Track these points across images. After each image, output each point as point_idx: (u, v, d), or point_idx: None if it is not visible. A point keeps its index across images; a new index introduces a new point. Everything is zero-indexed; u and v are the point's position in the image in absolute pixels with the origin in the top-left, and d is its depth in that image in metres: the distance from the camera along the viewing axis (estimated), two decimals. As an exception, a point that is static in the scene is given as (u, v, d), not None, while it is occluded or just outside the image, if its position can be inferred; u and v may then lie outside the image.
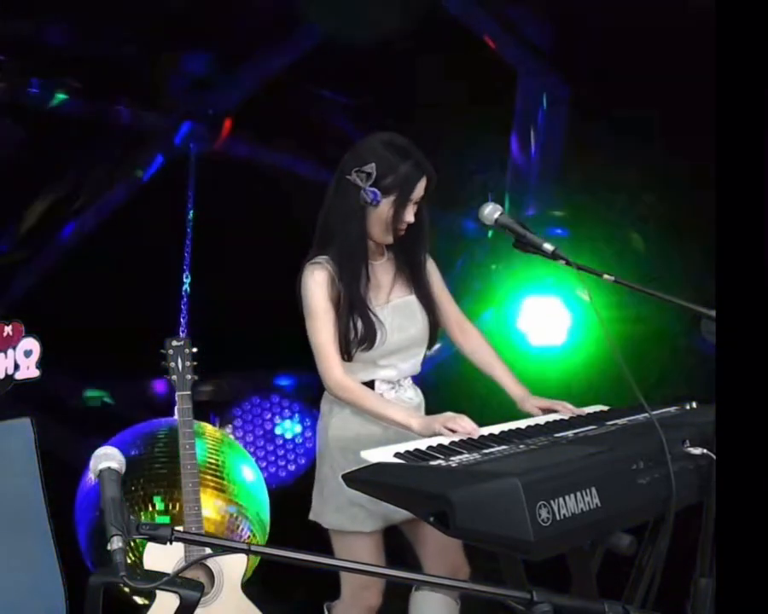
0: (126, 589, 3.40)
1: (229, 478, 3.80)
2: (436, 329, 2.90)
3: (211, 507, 3.70)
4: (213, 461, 3.79)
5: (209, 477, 3.73)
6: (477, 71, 4.26)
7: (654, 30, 3.77)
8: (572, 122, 4.37)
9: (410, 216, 2.73)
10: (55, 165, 4.23)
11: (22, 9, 3.95)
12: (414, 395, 2.90)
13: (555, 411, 2.77)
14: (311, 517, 2.91)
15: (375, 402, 2.72)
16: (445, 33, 4.24)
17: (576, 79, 4.20)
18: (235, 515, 3.75)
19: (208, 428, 3.99)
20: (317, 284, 2.73)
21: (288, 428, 4.76)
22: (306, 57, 4.26)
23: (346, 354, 2.74)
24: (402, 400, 2.83)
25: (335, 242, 2.74)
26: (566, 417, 2.73)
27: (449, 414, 2.61)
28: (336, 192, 2.76)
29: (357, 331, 2.73)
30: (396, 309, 2.82)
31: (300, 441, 4.80)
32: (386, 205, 2.70)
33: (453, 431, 2.50)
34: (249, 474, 3.92)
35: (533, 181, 4.56)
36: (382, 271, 2.85)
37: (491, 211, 2.65)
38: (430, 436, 2.54)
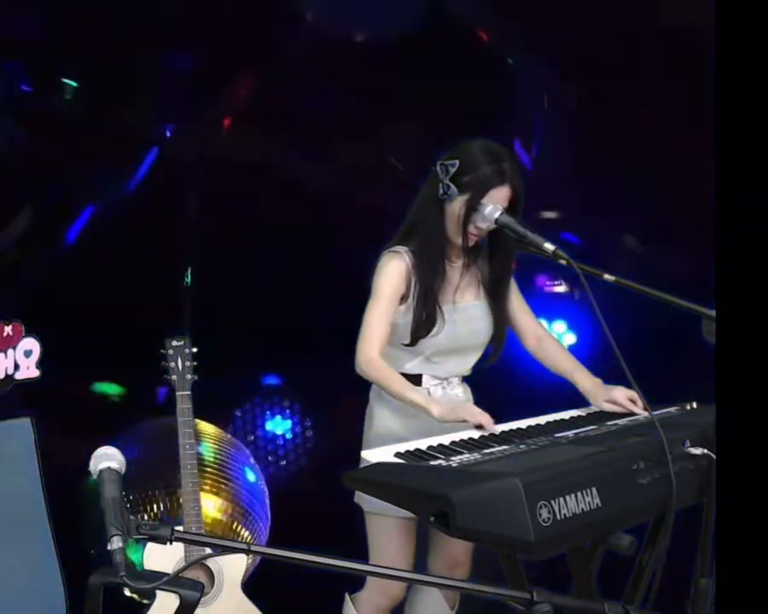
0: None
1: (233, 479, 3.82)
2: (498, 341, 2.91)
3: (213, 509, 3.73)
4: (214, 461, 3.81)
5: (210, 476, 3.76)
6: (478, 70, 4.25)
7: (655, 30, 3.77)
8: (572, 122, 4.37)
9: (482, 222, 2.71)
10: (55, 164, 4.22)
11: (22, 9, 3.95)
12: (461, 392, 2.92)
13: (625, 409, 2.71)
14: (356, 500, 2.94)
15: (399, 385, 2.73)
16: (446, 32, 4.24)
17: (577, 79, 4.20)
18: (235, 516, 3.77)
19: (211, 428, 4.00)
20: (390, 270, 2.79)
21: (289, 428, 4.76)
22: (306, 56, 4.26)
23: (414, 339, 2.79)
24: (449, 396, 2.86)
25: (416, 233, 2.81)
26: (566, 417, 2.73)
27: (468, 405, 2.67)
28: (425, 183, 2.81)
29: (417, 318, 2.78)
30: (459, 312, 2.85)
31: (300, 441, 4.79)
32: (458, 203, 2.72)
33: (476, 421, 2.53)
34: (251, 475, 3.94)
35: (534, 181, 4.55)
36: (456, 274, 2.87)
37: (491, 211, 2.65)
38: (452, 421, 2.58)
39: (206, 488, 3.73)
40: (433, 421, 2.64)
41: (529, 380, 3.59)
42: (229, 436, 4.11)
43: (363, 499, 2.91)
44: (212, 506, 3.74)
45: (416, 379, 2.83)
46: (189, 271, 4.41)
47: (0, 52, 4.07)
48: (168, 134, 4.50)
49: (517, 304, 2.98)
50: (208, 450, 3.82)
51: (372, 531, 2.91)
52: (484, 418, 2.55)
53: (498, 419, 2.64)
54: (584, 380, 2.86)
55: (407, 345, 2.82)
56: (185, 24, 4.09)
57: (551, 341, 3.03)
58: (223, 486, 3.78)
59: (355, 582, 3.00)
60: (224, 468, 3.82)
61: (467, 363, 2.92)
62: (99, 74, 4.21)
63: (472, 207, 2.70)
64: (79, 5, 4.02)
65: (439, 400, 2.79)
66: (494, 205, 2.66)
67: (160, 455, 3.73)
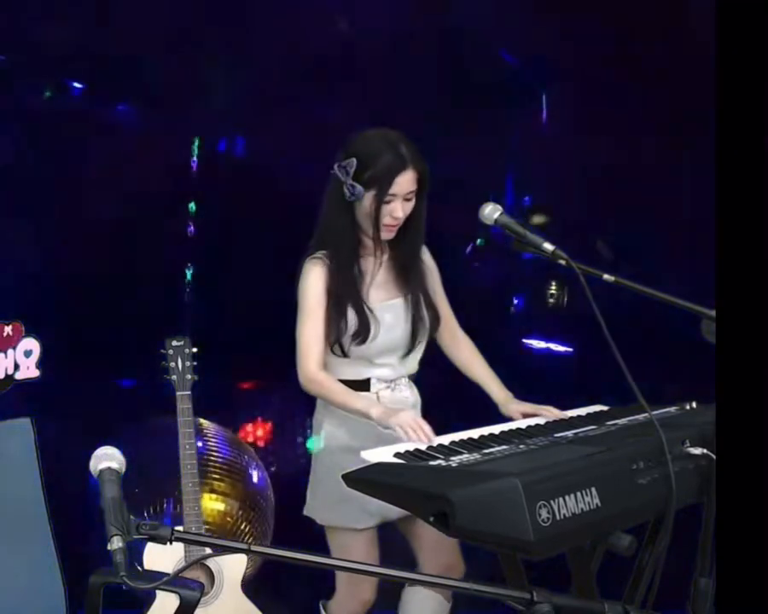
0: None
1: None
2: (421, 332, 2.84)
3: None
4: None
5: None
6: (478, 70, 4.26)
7: (655, 30, 3.78)
8: (573, 121, 4.37)
9: (398, 211, 2.69)
10: (55, 165, 4.22)
11: (22, 9, 3.95)
12: (410, 394, 2.89)
13: (537, 415, 2.75)
14: (306, 512, 2.93)
15: (340, 395, 2.71)
16: (447, 33, 4.24)
17: (577, 78, 4.20)
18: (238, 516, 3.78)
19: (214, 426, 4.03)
20: (313, 278, 2.74)
21: (289, 428, 4.76)
22: (309, 57, 4.26)
23: (341, 349, 2.75)
24: (398, 399, 2.82)
25: (329, 239, 2.75)
26: (566, 417, 2.73)
27: (410, 414, 2.60)
28: (328, 188, 2.77)
29: (349, 325, 2.72)
30: (389, 309, 2.81)
31: (300, 441, 4.79)
32: (368, 200, 2.68)
33: (407, 433, 2.47)
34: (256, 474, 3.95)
35: (534, 180, 4.56)
36: (378, 269, 2.83)
37: (491, 211, 2.63)
38: (389, 427, 2.54)
39: (213, 486, 3.75)
40: (380, 428, 2.61)
41: (529, 381, 3.59)
42: (231, 433, 4.12)
43: (314, 512, 2.91)
44: (218, 505, 3.75)
45: (363, 385, 2.79)
46: (190, 272, 4.41)
47: (1, 52, 4.08)
48: (169, 135, 4.50)
49: (437, 290, 2.92)
50: (212, 448, 3.83)
51: (332, 545, 2.88)
52: (414, 434, 2.46)
53: (500, 419, 2.64)
54: (498, 391, 2.89)
55: (342, 356, 2.77)
56: (186, 24, 4.10)
57: (467, 343, 3.00)
58: (230, 485, 3.78)
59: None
60: (231, 467, 3.83)
61: (413, 360, 2.88)
62: (101, 75, 4.21)
63: (381, 201, 2.66)
64: (81, 5, 4.03)
65: (386, 403, 2.74)
66: (494, 205, 2.64)
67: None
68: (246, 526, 3.77)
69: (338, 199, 2.72)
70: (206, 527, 3.60)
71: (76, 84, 4.31)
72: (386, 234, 2.74)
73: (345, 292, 2.73)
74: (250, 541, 3.76)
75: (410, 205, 2.72)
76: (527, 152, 4.46)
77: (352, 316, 2.73)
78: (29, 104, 4.26)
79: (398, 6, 4.17)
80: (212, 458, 3.79)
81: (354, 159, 2.66)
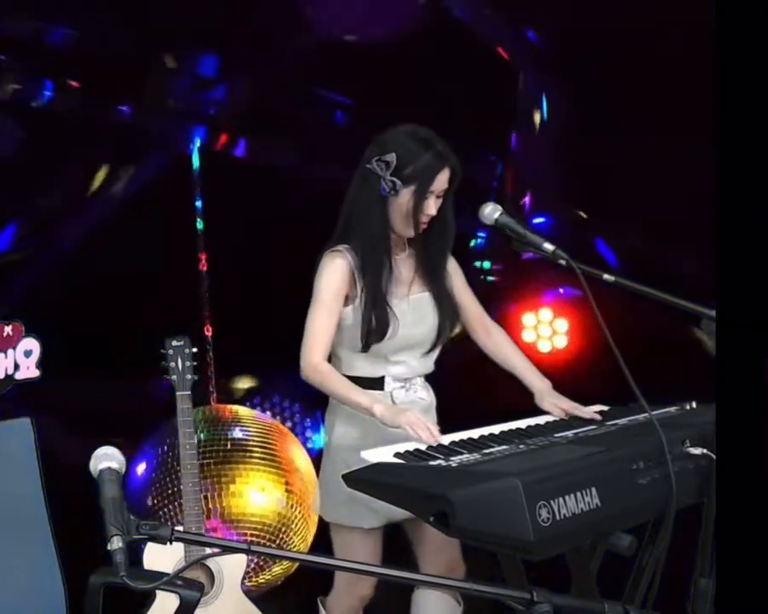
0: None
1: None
2: (447, 329, 2.85)
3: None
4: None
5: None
6: (478, 70, 4.26)
7: (654, 30, 3.78)
8: (572, 121, 4.37)
9: (431, 208, 2.70)
10: (55, 164, 4.23)
11: (22, 9, 3.95)
12: (425, 395, 2.87)
13: (567, 413, 2.72)
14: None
15: (341, 386, 2.70)
16: (446, 32, 4.24)
17: (576, 78, 4.20)
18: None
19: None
20: (333, 271, 2.73)
21: (289, 428, 4.76)
22: (308, 57, 4.26)
23: (365, 345, 2.73)
24: (413, 399, 2.81)
25: (357, 233, 2.74)
26: (566, 417, 2.72)
27: (416, 413, 2.60)
28: (358, 182, 2.75)
29: (368, 321, 2.71)
30: (413, 305, 2.80)
31: (301, 441, 4.79)
32: (406, 196, 2.68)
33: (415, 435, 2.47)
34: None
35: (534, 180, 4.56)
36: (403, 265, 2.82)
37: (491, 211, 2.63)
38: (392, 426, 2.54)
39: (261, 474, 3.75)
40: (388, 428, 2.59)
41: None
42: (272, 419, 4.14)
43: (322, 509, 2.90)
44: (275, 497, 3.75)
45: (377, 383, 2.78)
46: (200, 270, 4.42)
47: (1, 52, 4.08)
48: (170, 134, 4.50)
49: (462, 288, 2.92)
50: (254, 435, 3.83)
51: (336, 542, 2.88)
52: (424, 432, 2.46)
53: (501, 419, 2.64)
54: (537, 380, 2.85)
55: (361, 351, 2.76)
56: (186, 24, 4.10)
57: (501, 334, 2.97)
58: (277, 472, 3.78)
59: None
60: (275, 454, 3.83)
61: (429, 359, 2.86)
62: (101, 74, 4.21)
63: (422, 197, 2.66)
64: (80, 5, 4.03)
65: (401, 405, 2.74)
66: (494, 205, 2.64)
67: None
68: (298, 510, 3.76)
69: (371, 195, 2.70)
70: (258, 516, 3.64)
71: (75, 84, 4.31)
72: (419, 231, 2.74)
73: (376, 290, 2.72)
74: (301, 522, 3.74)
75: (440, 203, 2.73)
76: (527, 152, 4.46)
77: (371, 313, 2.72)
78: (29, 104, 4.26)
79: (399, 6, 4.18)
80: (254, 446, 3.79)
81: (393, 154, 2.66)
